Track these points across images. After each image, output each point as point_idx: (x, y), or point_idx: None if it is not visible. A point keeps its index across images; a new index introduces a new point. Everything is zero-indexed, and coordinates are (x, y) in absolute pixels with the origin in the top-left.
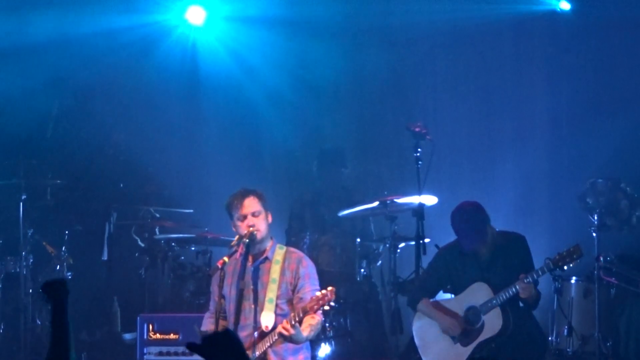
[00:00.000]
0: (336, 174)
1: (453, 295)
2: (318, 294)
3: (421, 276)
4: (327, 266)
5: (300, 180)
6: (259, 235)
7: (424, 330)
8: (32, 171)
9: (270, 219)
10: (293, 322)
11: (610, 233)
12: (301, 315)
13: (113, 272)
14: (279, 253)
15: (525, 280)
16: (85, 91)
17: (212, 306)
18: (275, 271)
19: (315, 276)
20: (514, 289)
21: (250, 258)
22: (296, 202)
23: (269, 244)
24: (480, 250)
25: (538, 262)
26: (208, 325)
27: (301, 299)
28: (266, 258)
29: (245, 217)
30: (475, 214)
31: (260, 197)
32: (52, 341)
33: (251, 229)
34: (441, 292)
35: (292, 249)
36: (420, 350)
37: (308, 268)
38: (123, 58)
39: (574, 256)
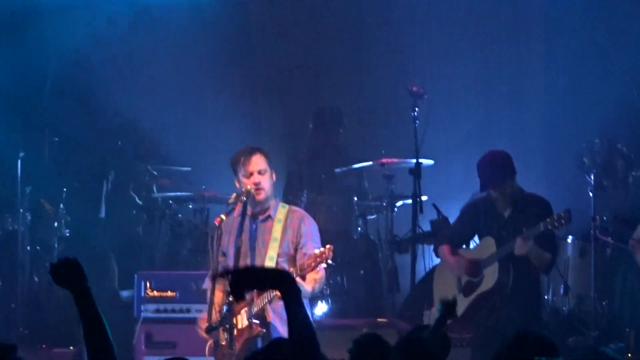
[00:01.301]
0: (332, 133)
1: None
2: (316, 251)
3: (450, 227)
4: (324, 225)
5: (295, 139)
6: (263, 194)
7: (440, 277)
8: (30, 128)
9: (274, 177)
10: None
11: (607, 193)
12: (299, 272)
13: (110, 229)
14: (281, 212)
15: (522, 238)
16: (83, 48)
17: (211, 265)
18: (277, 230)
19: (317, 234)
20: (507, 249)
21: (252, 216)
22: (292, 161)
23: (272, 203)
24: (499, 203)
25: None
26: (208, 284)
27: (305, 254)
28: (269, 217)
29: (251, 174)
30: (501, 159)
31: (267, 155)
32: (90, 340)
33: (254, 186)
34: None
35: (294, 207)
36: (434, 295)
37: (310, 226)
38: (120, 14)
39: (563, 221)
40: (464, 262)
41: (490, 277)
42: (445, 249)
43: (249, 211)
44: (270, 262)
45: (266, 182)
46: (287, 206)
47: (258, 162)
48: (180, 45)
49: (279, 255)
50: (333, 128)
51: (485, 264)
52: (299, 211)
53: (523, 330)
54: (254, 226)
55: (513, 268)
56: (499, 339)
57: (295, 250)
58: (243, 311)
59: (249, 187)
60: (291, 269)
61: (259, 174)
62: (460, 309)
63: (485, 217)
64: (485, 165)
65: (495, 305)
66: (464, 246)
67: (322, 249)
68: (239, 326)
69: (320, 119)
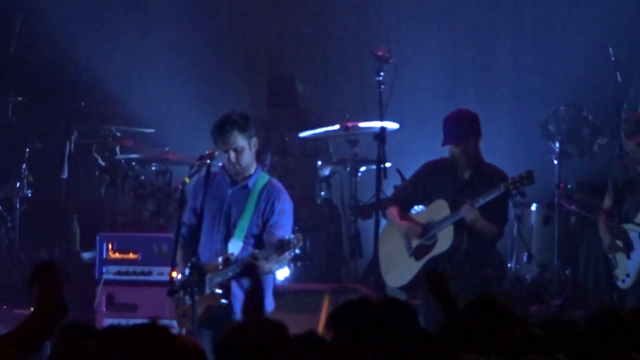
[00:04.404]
0: (287, 100)
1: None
2: (285, 238)
3: (398, 187)
4: (288, 188)
5: (259, 102)
6: (237, 169)
7: (386, 240)
8: None
9: (255, 145)
10: (259, 258)
11: (572, 161)
12: (264, 256)
13: (73, 190)
14: (259, 183)
15: (472, 203)
16: (47, 8)
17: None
18: (252, 200)
19: (291, 215)
20: (457, 215)
21: (231, 180)
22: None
23: (252, 171)
24: (460, 164)
25: None
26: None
27: (271, 232)
28: (246, 186)
29: (226, 151)
30: (468, 117)
31: (243, 129)
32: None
33: (229, 162)
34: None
35: (274, 180)
36: (380, 260)
37: (285, 204)
38: None
39: (525, 182)
40: (415, 225)
41: (445, 240)
42: (393, 210)
43: (228, 174)
44: (239, 232)
45: (242, 158)
46: (267, 177)
47: (232, 140)
48: (145, 7)
49: (248, 227)
50: (287, 95)
51: (438, 227)
52: (278, 186)
53: (477, 296)
54: (230, 192)
55: (468, 233)
56: None
57: (265, 223)
58: (207, 277)
59: (226, 161)
60: (255, 250)
61: (234, 152)
62: (411, 273)
63: (442, 179)
64: (451, 120)
65: (446, 269)
66: (417, 207)
67: (291, 238)
68: (202, 292)
69: (273, 87)
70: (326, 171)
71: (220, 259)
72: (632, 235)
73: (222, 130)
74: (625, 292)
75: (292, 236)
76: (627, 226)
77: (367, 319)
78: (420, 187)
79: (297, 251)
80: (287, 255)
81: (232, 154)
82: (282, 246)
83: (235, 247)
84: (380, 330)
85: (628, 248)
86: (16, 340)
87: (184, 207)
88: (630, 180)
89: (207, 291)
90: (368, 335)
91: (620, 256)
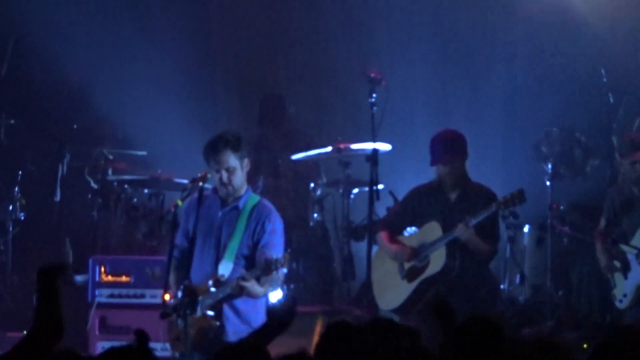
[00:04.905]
0: (277, 120)
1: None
2: (273, 257)
3: (389, 211)
4: (280, 210)
5: (251, 123)
6: (228, 190)
7: (378, 263)
8: None
9: (247, 165)
10: (248, 279)
11: (564, 182)
12: (252, 276)
13: (65, 213)
14: (249, 204)
15: (465, 222)
16: (40, 30)
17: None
18: (242, 221)
19: (282, 233)
20: (451, 235)
21: (222, 201)
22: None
23: (242, 192)
24: (447, 185)
25: None
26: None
27: (263, 253)
28: (236, 207)
29: (218, 170)
30: (456, 138)
31: (236, 148)
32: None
33: (220, 182)
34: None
35: (265, 201)
36: (373, 283)
37: (275, 223)
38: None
39: (516, 200)
40: (404, 248)
41: (437, 261)
42: (383, 235)
43: (219, 196)
44: (230, 254)
45: (234, 178)
46: (257, 198)
47: (224, 160)
48: (138, 29)
49: (239, 248)
50: (277, 116)
51: (431, 249)
52: (268, 206)
53: (469, 317)
54: (220, 213)
55: (460, 254)
56: None
57: (255, 244)
58: (199, 300)
59: (217, 181)
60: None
61: (227, 171)
62: (403, 295)
63: (431, 201)
64: (438, 140)
65: (439, 291)
66: (410, 229)
67: (278, 257)
68: (194, 315)
69: (264, 108)
70: (318, 193)
71: (210, 281)
72: (630, 256)
73: (214, 149)
74: (622, 312)
75: (279, 255)
76: (623, 247)
77: (352, 343)
78: (409, 211)
79: (285, 270)
80: (279, 275)
81: (224, 174)
82: (270, 265)
83: (225, 268)
84: (366, 353)
85: (625, 268)
86: None
87: (176, 229)
88: (626, 201)
89: (199, 313)
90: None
91: (618, 276)
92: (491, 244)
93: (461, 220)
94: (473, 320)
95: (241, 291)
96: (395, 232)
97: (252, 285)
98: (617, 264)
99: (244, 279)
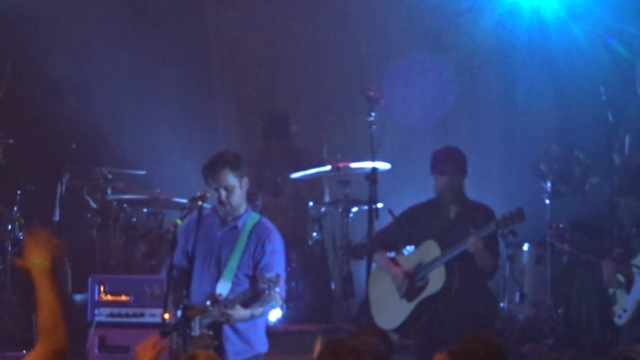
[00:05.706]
0: (281, 138)
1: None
2: (267, 276)
3: (384, 229)
4: (279, 230)
5: (251, 142)
6: (227, 209)
7: (376, 282)
8: None
9: (246, 184)
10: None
11: (563, 200)
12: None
13: (64, 232)
14: (249, 223)
15: (477, 234)
16: (39, 50)
17: (164, 272)
18: (241, 241)
19: (282, 252)
20: (460, 248)
21: (221, 221)
22: (247, 163)
23: (242, 211)
24: (445, 200)
25: None
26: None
27: (262, 275)
28: (235, 226)
29: (217, 189)
30: (457, 153)
31: (235, 167)
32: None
33: (218, 201)
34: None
35: (264, 220)
36: (371, 303)
37: (275, 243)
38: (75, 20)
39: (516, 219)
40: (399, 275)
41: (436, 280)
42: (381, 254)
43: (218, 215)
44: (229, 273)
45: (232, 197)
46: (257, 217)
47: (223, 178)
48: (135, 48)
49: (238, 267)
50: (281, 133)
51: (429, 268)
52: (268, 225)
53: (469, 335)
54: (220, 233)
55: (459, 272)
56: (442, 344)
57: (256, 265)
58: (197, 319)
59: (216, 200)
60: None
61: (225, 190)
62: (403, 315)
63: (429, 218)
64: (440, 151)
65: (437, 310)
66: (407, 248)
67: (270, 276)
68: (192, 333)
69: (268, 124)
70: (318, 212)
71: (208, 302)
72: (634, 269)
73: (213, 168)
74: (620, 329)
75: (272, 274)
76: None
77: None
78: (405, 229)
79: (277, 290)
80: (274, 295)
81: (223, 192)
82: (263, 284)
83: (224, 288)
84: None
85: (629, 282)
86: None
87: (175, 249)
88: (637, 218)
89: (198, 332)
90: None
91: (620, 292)
92: (493, 258)
93: (461, 237)
94: (474, 337)
95: (227, 318)
96: (388, 249)
97: (236, 312)
98: (620, 277)
99: (225, 306)
